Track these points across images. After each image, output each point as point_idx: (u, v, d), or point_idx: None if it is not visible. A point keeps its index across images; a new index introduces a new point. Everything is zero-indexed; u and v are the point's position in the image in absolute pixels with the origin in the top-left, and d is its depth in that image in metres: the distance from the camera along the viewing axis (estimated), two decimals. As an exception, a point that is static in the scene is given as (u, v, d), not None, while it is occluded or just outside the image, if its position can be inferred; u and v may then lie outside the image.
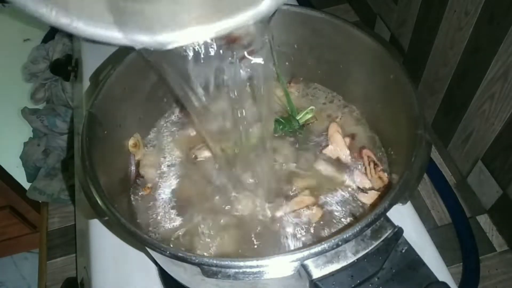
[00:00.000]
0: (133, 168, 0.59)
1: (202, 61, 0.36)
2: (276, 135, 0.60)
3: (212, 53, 0.36)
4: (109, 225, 0.62)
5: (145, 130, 0.62)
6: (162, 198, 0.56)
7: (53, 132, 1.34)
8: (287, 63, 0.64)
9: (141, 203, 0.56)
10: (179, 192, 0.57)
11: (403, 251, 0.38)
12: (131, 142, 0.59)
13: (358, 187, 0.54)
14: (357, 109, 0.62)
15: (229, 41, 0.36)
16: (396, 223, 0.39)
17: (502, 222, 1.20)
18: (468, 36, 1.06)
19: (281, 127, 0.60)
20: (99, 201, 0.43)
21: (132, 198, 0.56)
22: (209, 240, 0.51)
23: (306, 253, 0.36)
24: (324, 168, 0.56)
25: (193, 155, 0.59)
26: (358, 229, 0.37)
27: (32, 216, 1.28)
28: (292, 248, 0.50)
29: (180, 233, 0.52)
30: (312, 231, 0.52)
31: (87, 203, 0.43)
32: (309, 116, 0.61)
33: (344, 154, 0.57)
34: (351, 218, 0.52)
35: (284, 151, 0.59)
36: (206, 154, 0.59)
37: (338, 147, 0.57)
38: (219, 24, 0.34)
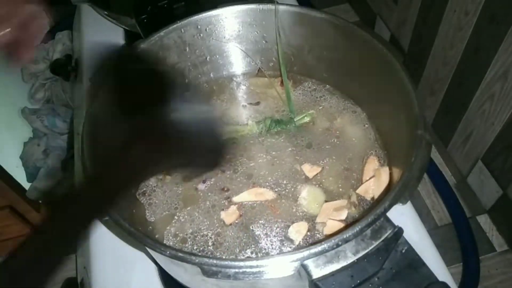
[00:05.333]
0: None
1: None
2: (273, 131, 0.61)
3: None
4: (109, 225, 0.62)
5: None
6: (168, 192, 0.56)
7: (53, 132, 1.34)
8: (286, 63, 0.65)
9: (145, 199, 0.56)
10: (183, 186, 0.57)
11: (403, 251, 0.38)
12: None
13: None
14: (356, 109, 0.62)
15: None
16: (396, 223, 0.39)
17: (502, 222, 1.20)
18: (468, 36, 1.06)
19: (276, 125, 0.61)
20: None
21: (137, 197, 0.56)
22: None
23: (306, 253, 0.36)
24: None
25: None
26: (358, 229, 0.37)
27: (32, 216, 1.28)
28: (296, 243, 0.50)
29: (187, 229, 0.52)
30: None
31: (87, 203, 0.43)
32: (307, 119, 0.61)
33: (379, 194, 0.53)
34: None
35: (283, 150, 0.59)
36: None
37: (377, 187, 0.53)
38: None
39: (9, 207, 1.19)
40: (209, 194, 0.55)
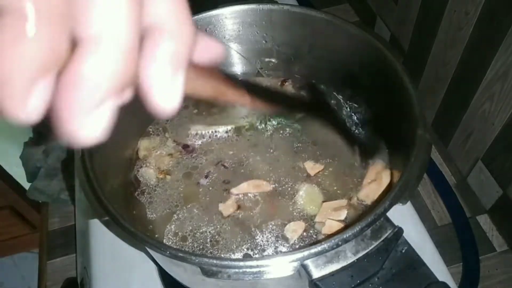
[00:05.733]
0: (135, 164, 0.59)
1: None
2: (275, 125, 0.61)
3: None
4: (109, 225, 0.62)
5: (145, 129, 0.62)
6: (169, 190, 0.56)
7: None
8: (287, 63, 0.65)
9: (146, 198, 0.56)
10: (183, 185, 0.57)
11: (403, 251, 0.38)
12: (141, 154, 0.60)
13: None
14: (356, 108, 0.62)
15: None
16: (396, 223, 0.39)
17: (502, 222, 1.20)
18: (468, 36, 1.06)
19: (276, 118, 0.61)
20: (99, 201, 0.43)
21: (137, 197, 0.56)
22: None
23: (306, 253, 0.36)
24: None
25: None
26: (358, 229, 0.37)
27: (32, 216, 1.28)
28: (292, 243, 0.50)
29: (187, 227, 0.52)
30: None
31: (87, 203, 0.43)
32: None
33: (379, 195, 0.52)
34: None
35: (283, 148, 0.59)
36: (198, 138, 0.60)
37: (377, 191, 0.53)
38: None
39: (9, 207, 1.19)
40: (210, 188, 0.56)
